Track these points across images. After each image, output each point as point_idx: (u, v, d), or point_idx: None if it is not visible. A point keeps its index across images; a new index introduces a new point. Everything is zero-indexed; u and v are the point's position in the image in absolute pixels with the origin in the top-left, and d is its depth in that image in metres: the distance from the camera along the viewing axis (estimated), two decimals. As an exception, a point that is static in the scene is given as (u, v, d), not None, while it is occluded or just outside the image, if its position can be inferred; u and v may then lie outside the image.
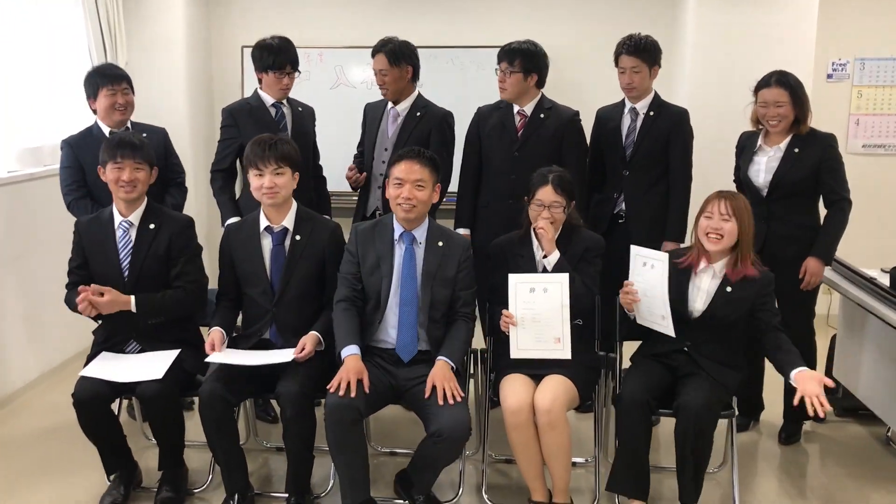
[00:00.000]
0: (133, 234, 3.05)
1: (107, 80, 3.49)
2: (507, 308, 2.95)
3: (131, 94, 3.58)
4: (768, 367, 3.64)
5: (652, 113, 3.64)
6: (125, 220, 3.05)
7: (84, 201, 3.47)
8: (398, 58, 3.65)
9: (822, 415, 2.73)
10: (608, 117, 3.76)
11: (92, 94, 3.53)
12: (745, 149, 3.60)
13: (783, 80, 3.39)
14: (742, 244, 2.93)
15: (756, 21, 4.87)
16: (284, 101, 3.75)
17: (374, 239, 2.99)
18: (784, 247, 3.42)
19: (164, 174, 3.54)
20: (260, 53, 3.66)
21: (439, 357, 2.86)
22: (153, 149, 3.25)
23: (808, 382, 2.71)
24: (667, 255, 2.95)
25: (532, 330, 2.93)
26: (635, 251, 3.02)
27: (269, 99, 3.70)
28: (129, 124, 3.60)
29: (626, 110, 3.69)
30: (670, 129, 3.63)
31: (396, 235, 2.98)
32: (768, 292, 2.96)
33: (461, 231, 3.74)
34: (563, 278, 2.94)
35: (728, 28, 4.88)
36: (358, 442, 2.76)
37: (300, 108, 3.83)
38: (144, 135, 3.43)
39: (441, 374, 2.79)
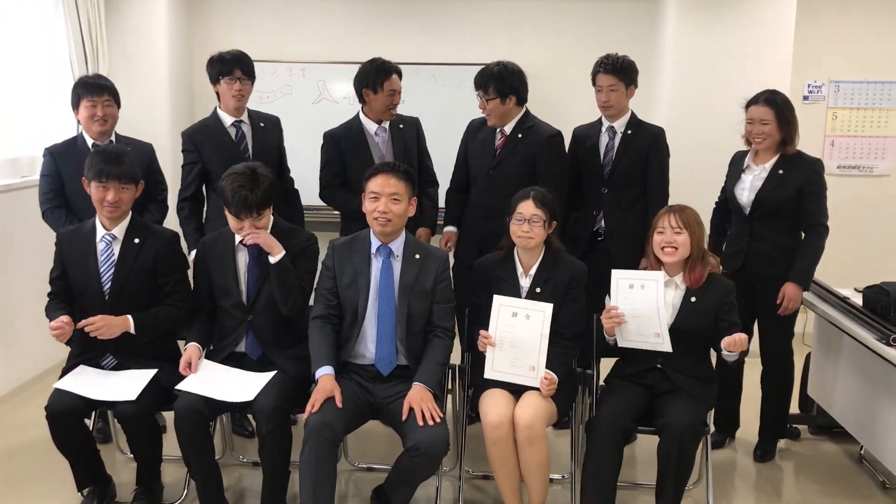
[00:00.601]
0: (116, 248, 3.02)
1: (88, 90, 3.46)
2: (486, 328, 2.96)
3: (114, 106, 3.54)
4: (745, 384, 3.71)
5: (630, 132, 3.67)
6: (108, 234, 3.03)
7: (59, 211, 3.45)
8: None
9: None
10: (585, 136, 3.79)
11: (74, 104, 3.50)
12: (735, 167, 3.64)
13: (771, 99, 3.45)
14: (693, 253, 3.00)
15: (734, 42, 4.96)
16: (244, 118, 3.70)
17: (352, 254, 2.99)
18: (764, 266, 3.47)
19: (146, 189, 3.47)
20: (210, 66, 3.64)
21: (416, 382, 2.85)
22: (140, 162, 3.25)
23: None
24: (661, 273, 2.98)
25: (509, 354, 2.93)
26: (618, 275, 3.03)
27: (227, 118, 3.66)
28: (113, 137, 3.56)
29: (604, 129, 3.72)
30: (648, 147, 3.66)
31: (373, 249, 2.98)
32: (730, 300, 3.00)
33: (448, 228, 3.78)
34: (547, 308, 2.94)
35: (706, 48, 4.96)
36: (332, 463, 2.73)
37: (262, 123, 3.77)
38: (129, 148, 3.38)
39: (418, 396, 2.79)
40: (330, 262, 3.01)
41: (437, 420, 2.73)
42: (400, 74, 3.72)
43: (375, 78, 3.64)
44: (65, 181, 3.46)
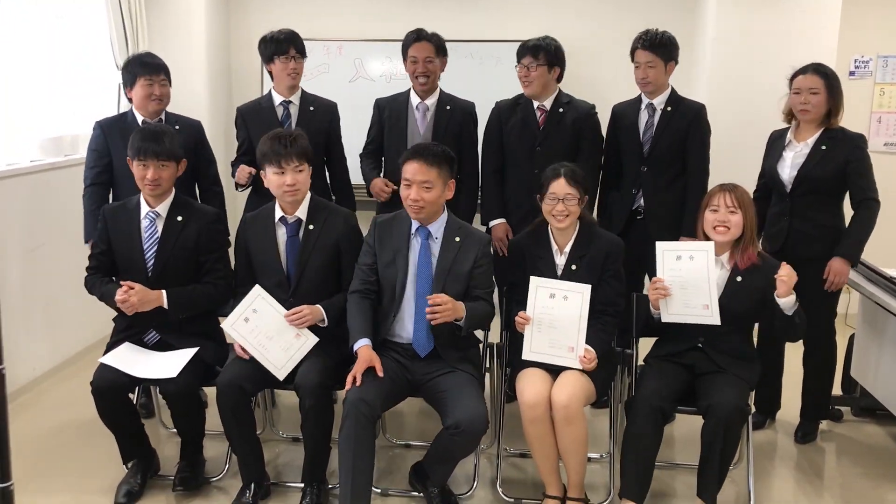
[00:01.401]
0: (160, 225, 3.06)
1: (145, 69, 3.47)
2: (524, 308, 2.95)
3: (168, 85, 3.57)
4: (786, 365, 3.66)
5: (669, 108, 3.62)
6: (152, 211, 3.07)
7: (99, 193, 3.46)
8: (443, 48, 3.76)
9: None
10: (624, 114, 3.74)
11: (129, 82, 3.51)
12: (774, 145, 3.58)
13: (820, 69, 3.39)
14: (745, 233, 2.96)
15: (777, 17, 4.84)
16: (294, 99, 3.74)
17: (392, 232, 2.99)
18: (806, 245, 3.41)
19: (196, 165, 3.57)
20: (264, 45, 3.71)
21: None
22: (187, 139, 3.37)
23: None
24: (711, 244, 2.94)
25: (547, 335, 2.92)
26: (663, 246, 3.00)
27: (277, 98, 3.73)
28: (163, 116, 3.60)
29: (643, 106, 3.67)
30: (688, 124, 3.61)
31: (413, 230, 2.98)
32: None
33: (496, 222, 3.73)
34: (585, 289, 2.92)
35: (749, 24, 4.85)
36: (370, 440, 2.75)
37: (312, 108, 3.79)
38: (177, 126, 3.50)
39: (450, 304, 2.82)
40: (371, 238, 3.01)
41: (438, 313, 2.77)
42: (428, 41, 3.71)
43: (403, 48, 3.74)
44: (113, 157, 3.49)
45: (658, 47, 3.54)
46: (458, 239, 2.97)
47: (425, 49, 3.70)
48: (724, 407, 2.78)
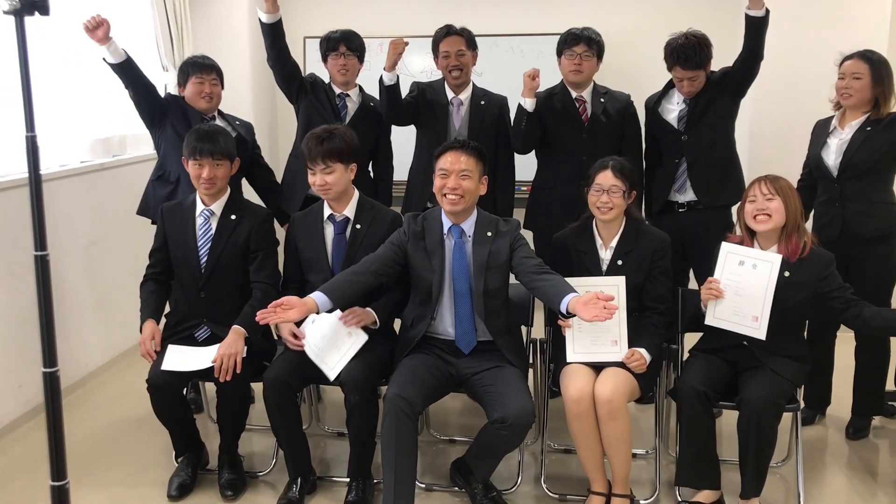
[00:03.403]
0: (214, 223, 3.13)
1: (197, 68, 3.62)
2: None
3: (220, 85, 3.70)
4: (837, 360, 3.59)
5: (703, 93, 3.59)
6: (206, 209, 3.14)
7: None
8: (474, 41, 3.78)
9: None
10: (660, 106, 3.71)
11: (182, 81, 3.66)
12: (819, 133, 3.52)
13: (867, 55, 3.34)
14: (789, 222, 2.89)
15: (828, 4, 4.72)
16: (352, 94, 3.82)
17: (423, 233, 2.98)
18: (863, 224, 3.35)
19: (249, 166, 3.78)
20: (320, 46, 3.83)
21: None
22: (249, 134, 3.59)
23: None
24: (780, 256, 2.85)
25: (588, 333, 2.90)
26: (728, 248, 2.94)
27: (336, 89, 3.83)
28: (216, 114, 3.71)
29: (679, 99, 3.63)
30: (717, 98, 3.58)
31: (445, 230, 2.97)
32: (830, 272, 2.90)
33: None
34: (620, 281, 2.91)
35: (796, 8, 4.73)
36: (412, 436, 2.75)
37: (371, 103, 3.88)
38: (238, 122, 3.69)
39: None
40: (404, 236, 2.98)
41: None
42: (458, 34, 3.74)
43: (434, 44, 3.79)
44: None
45: (698, 66, 3.47)
46: (489, 234, 2.96)
47: (457, 43, 3.72)
48: (756, 401, 2.75)
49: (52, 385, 2.09)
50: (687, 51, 3.45)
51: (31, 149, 2.01)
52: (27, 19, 1.94)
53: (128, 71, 3.48)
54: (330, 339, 2.96)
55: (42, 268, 2.07)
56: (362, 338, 2.97)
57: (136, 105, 3.60)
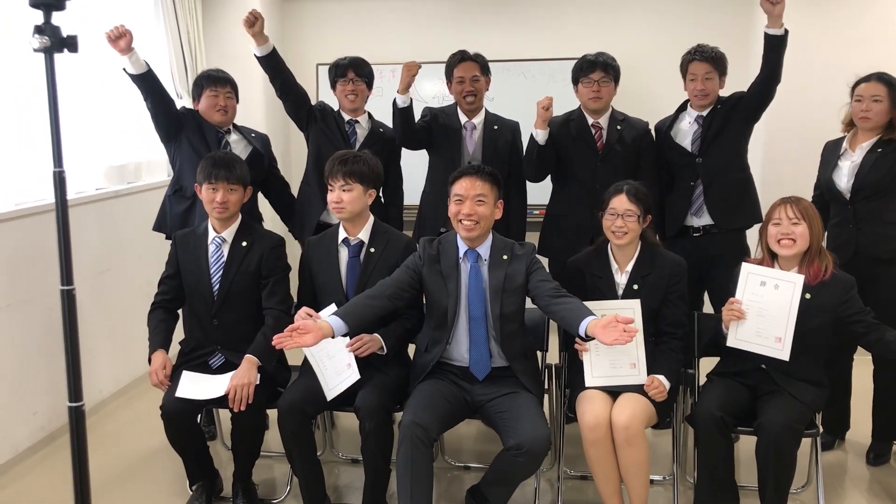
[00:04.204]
0: (225, 250, 3.14)
1: (211, 81, 3.66)
2: None
3: (234, 98, 3.73)
4: (855, 383, 3.55)
5: (718, 107, 3.61)
6: (218, 237, 3.15)
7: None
8: (487, 67, 3.80)
9: None
10: (670, 129, 3.71)
11: (196, 95, 3.69)
12: (830, 155, 3.52)
13: (884, 77, 3.35)
14: (812, 247, 2.88)
15: (840, 25, 4.75)
16: (361, 121, 3.84)
17: (439, 258, 2.97)
18: (877, 245, 3.34)
19: (267, 178, 3.88)
20: (329, 73, 3.87)
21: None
22: (265, 147, 3.65)
23: None
24: (801, 277, 2.83)
25: (606, 357, 2.88)
26: (749, 269, 2.92)
27: (345, 115, 3.85)
28: (231, 127, 3.74)
29: (691, 119, 3.64)
30: (729, 120, 3.58)
31: (461, 254, 2.96)
32: (851, 296, 2.88)
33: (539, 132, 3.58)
34: (635, 304, 2.91)
35: (809, 32, 4.75)
36: (428, 462, 2.73)
37: (381, 129, 3.91)
38: (253, 135, 3.74)
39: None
40: (420, 259, 2.98)
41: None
42: (473, 60, 3.76)
43: (447, 69, 3.82)
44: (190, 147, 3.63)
45: (715, 59, 3.53)
46: (505, 257, 2.95)
47: (471, 68, 3.75)
48: (775, 426, 2.72)
49: (77, 419, 2.10)
50: (703, 46, 3.55)
51: (58, 184, 2.02)
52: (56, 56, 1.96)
53: (148, 82, 3.50)
54: (333, 358, 2.95)
55: (69, 302, 2.08)
56: (354, 376, 2.93)
57: (153, 118, 3.61)
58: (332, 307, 2.96)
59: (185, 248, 3.18)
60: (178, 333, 3.26)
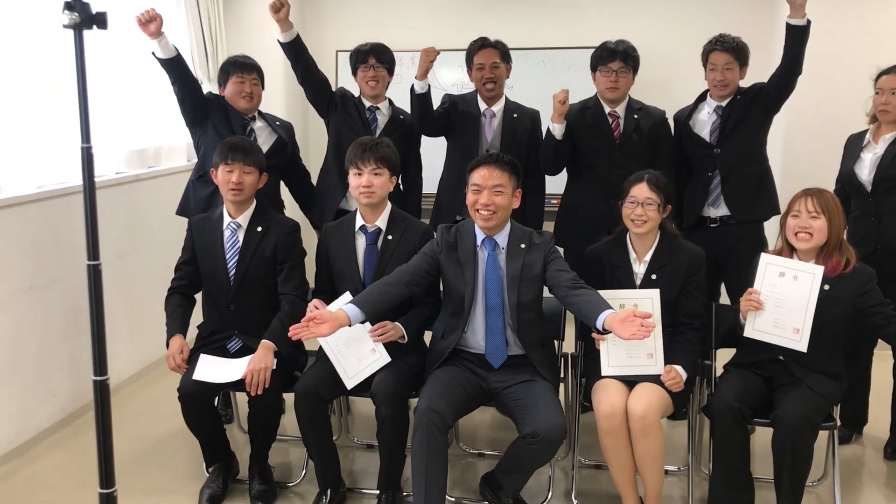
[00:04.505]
0: (241, 235, 3.15)
1: (237, 67, 3.66)
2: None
3: (260, 86, 3.74)
4: (875, 377, 3.53)
5: (737, 98, 3.58)
6: (233, 222, 3.16)
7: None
8: (508, 54, 3.80)
9: None
10: (689, 119, 3.69)
11: (223, 81, 3.70)
12: (852, 147, 3.50)
13: None
14: (831, 240, 2.85)
15: (864, 17, 4.68)
16: (381, 106, 3.84)
17: (456, 245, 2.97)
18: None
19: (290, 166, 3.89)
20: (350, 59, 3.87)
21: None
22: (289, 135, 3.66)
23: None
24: (821, 268, 2.81)
25: (623, 346, 2.86)
26: (767, 259, 2.91)
27: (366, 101, 3.85)
28: (256, 114, 3.75)
29: (710, 109, 3.62)
30: (749, 111, 3.55)
31: (478, 242, 2.96)
32: (870, 287, 2.85)
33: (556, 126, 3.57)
34: (654, 294, 2.89)
35: (832, 24, 4.68)
36: (443, 449, 2.74)
37: (401, 115, 3.91)
38: (278, 123, 3.75)
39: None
40: (438, 247, 2.98)
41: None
42: (493, 47, 3.75)
43: (468, 56, 3.81)
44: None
45: (736, 49, 3.51)
46: (523, 246, 2.94)
47: (491, 55, 3.74)
48: (791, 418, 2.70)
49: (102, 393, 2.12)
50: (724, 36, 3.53)
51: (86, 159, 2.04)
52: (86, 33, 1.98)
53: (176, 67, 3.52)
54: (352, 346, 2.96)
55: (94, 277, 2.10)
56: (384, 359, 2.95)
57: (179, 102, 3.63)
58: (347, 295, 2.97)
59: (201, 233, 3.20)
60: (197, 317, 3.28)
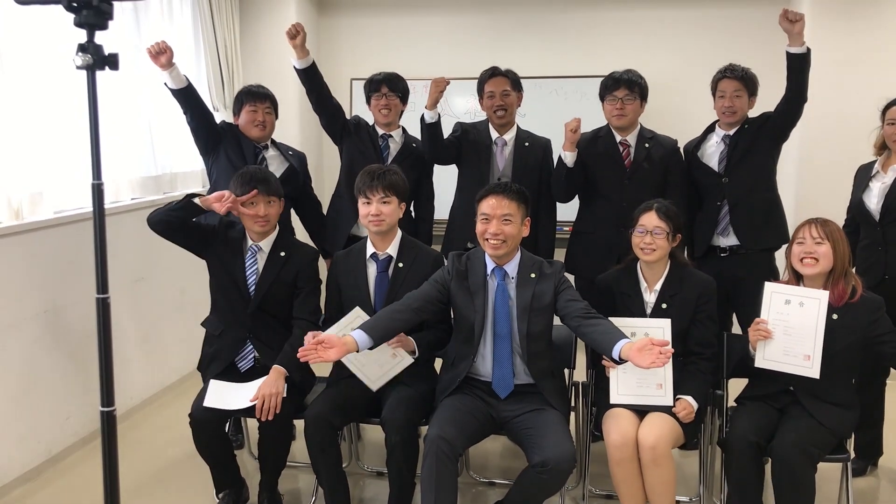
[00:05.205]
0: (261, 259, 3.17)
1: (251, 97, 3.73)
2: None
3: (273, 114, 3.80)
4: (889, 408, 3.50)
5: (745, 127, 3.60)
6: (254, 245, 3.19)
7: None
8: (519, 83, 3.82)
9: None
10: (697, 150, 3.71)
11: (237, 110, 3.77)
12: (861, 177, 3.51)
13: None
14: (836, 268, 2.85)
15: (872, 47, 4.71)
16: (394, 135, 3.88)
17: (467, 273, 2.98)
18: None
19: (301, 195, 3.92)
20: (364, 88, 3.92)
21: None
22: (301, 166, 3.71)
23: None
24: (826, 293, 2.82)
25: (633, 375, 2.86)
26: (772, 288, 2.91)
27: (379, 129, 3.89)
28: (269, 143, 3.80)
29: (718, 139, 3.63)
30: (757, 140, 3.56)
31: (489, 271, 2.96)
32: (879, 316, 2.84)
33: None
34: (665, 323, 2.89)
35: (840, 54, 4.72)
36: (452, 478, 2.73)
37: (414, 144, 3.94)
38: (291, 153, 3.79)
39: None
40: (448, 274, 2.99)
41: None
42: (503, 75, 3.79)
43: (479, 84, 3.84)
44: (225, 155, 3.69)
45: (744, 78, 3.54)
46: (533, 275, 2.94)
47: (501, 83, 3.77)
48: (784, 448, 2.69)
49: (108, 423, 2.14)
50: (734, 65, 3.56)
51: (97, 196, 2.07)
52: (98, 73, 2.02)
53: (188, 97, 3.59)
54: (372, 356, 2.94)
55: (103, 310, 2.13)
56: (407, 359, 2.97)
57: (192, 132, 3.69)
58: (358, 309, 2.99)
59: (225, 242, 3.21)
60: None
